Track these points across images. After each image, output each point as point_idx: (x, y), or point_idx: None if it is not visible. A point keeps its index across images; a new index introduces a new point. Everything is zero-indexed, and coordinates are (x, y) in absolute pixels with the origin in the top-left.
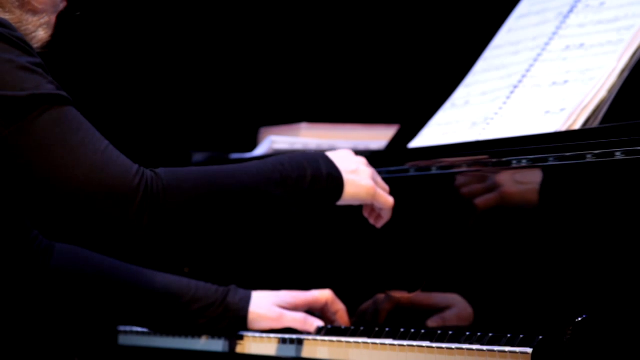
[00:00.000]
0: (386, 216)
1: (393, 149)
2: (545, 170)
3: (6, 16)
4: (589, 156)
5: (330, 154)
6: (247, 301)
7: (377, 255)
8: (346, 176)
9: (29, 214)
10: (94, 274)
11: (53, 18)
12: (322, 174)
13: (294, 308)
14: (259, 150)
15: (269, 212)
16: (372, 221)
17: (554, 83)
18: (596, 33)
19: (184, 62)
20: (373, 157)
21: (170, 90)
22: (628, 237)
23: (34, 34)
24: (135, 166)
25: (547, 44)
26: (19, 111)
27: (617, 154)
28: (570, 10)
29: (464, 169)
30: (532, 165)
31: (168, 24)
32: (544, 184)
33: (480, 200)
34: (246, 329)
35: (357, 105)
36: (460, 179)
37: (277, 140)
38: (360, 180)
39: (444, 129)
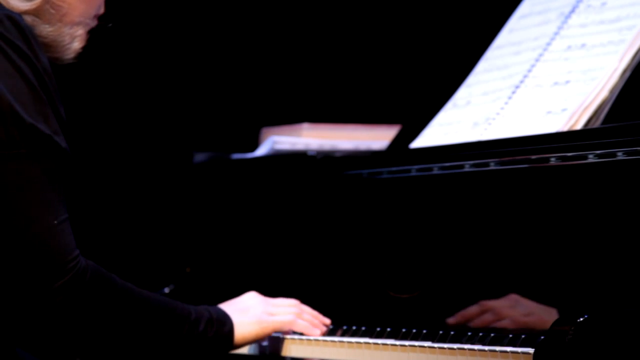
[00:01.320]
0: (304, 329)
1: (395, 149)
2: (547, 171)
3: (46, 27)
4: (590, 156)
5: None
6: (225, 314)
7: (379, 255)
8: (236, 317)
9: None
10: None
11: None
12: (212, 317)
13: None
14: (261, 151)
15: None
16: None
17: (556, 83)
18: (598, 33)
19: (186, 63)
20: (375, 158)
21: (172, 90)
22: (630, 237)
23: (69, 45)
24: (77, 251)
25: (548, 44)
26: (21, 139)
27: (619, 154)
28: (572, 11)
29: (465, 169)
30: (533, 165)
31: (170, 25)
32: (545, 184)
33: (481, 201)
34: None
35: (358, 106)
36: (461, 179)
37: (278, 141)
38: (249, 318)
39: (445, 129)
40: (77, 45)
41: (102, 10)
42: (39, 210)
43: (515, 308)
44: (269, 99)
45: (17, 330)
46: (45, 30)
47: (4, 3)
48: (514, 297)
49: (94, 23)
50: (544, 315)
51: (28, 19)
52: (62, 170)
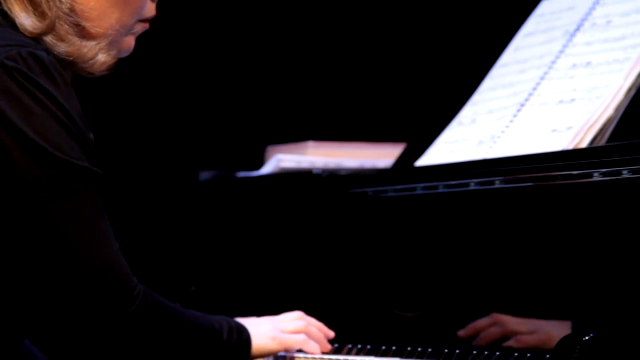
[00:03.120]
0: (313, 350)
1: (400, 168)
2: (553, 189)
3: (63, 46)
4: (596, 175)
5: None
6: (241, 324)
7: (385, 274)
8: (251, 329)
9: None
10: None
11: (124, 40)
12: (232, 325)
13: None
14: (266, 169)
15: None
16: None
17: (561, 101)
18: (603, 52)
19: (192, 81)
20: (380, 176)
21: (177, 108)
22: (636, 255)
23: (93, 60)
24: (135, 277)
25: (554, 62)
26: (63, 179)
27: (625, 172)
28: (577, 29)
29: (471, 187)
30: (539, 183)
31: (177, 41)
32: (551, 202)
33: (487, 219)
34: (250, 349)
35: (364, 124)
36: (467, 198)
37: (284, 159)
38: (264, 332)
39: (451, 147)
40: (103, 57)
41: (152, 13)
42: (99, 242)
43: (522, 326)
44: (275, 118)
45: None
46: (62, 48)
47: (20, 28)
48: (520, 315)
49: (140, 29)
50: (551, 333)
51: (48, 39)
52: (103, 197)
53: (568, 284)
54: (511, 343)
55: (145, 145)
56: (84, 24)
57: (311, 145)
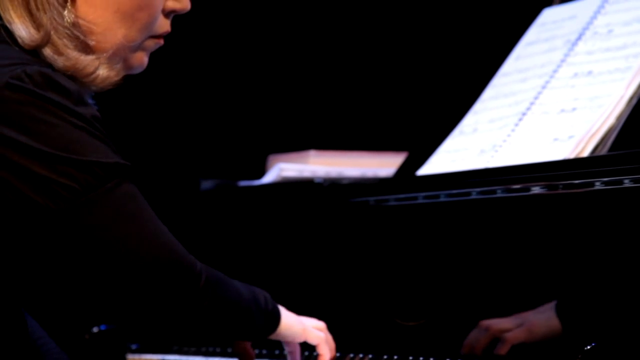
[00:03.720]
0: (326, 354)
1: (401, 177)
2: (554, 198)
3: (61, 60)
4: (597, 183)
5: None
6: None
7: (386, 283)
8: (283, 311)
9: (81, 290)
10: None
11: (133, 56)
12: (262, 293)
13: None
14: (267, 178)
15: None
16: None
17: (562, 110)
18: (604, 60)
19: (193, 89)
20: (381, 185)
21: (178, 117)
22: (638, 264)
23: (93, 75)
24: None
25: (555, 71)
26: (96, 180)
27: (626, 181)
28: (579, 38)
29: (472, 196)
30: (541, 192)
31: (177, 49)
32: (553, 211)
33: (488, 228)
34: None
35: (365, 133)
36: (468, 207)
37: (285, 168)
38: (290, 314)
39: (452, 156)
40: (104, 72)
41: (166, 29)
42: (153, 230)
43: (523, 333)
44: (276, 126)
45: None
46: (60, 62)
47: (19, 41)
48: (521, 323)
49: (152, 45)
50: (552, 341)
51: (46, 53)
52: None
53: (570, 292)
54: (513, 350)
55: (147, 153)
56: (86, 38)
57: (312, 154)
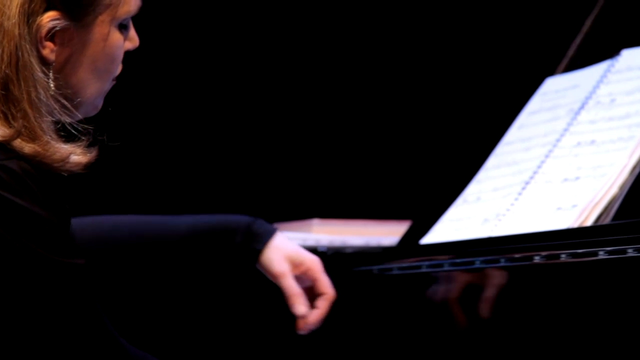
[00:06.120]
0: (325, 298)
1: (405, 245)
2: (558, 267)
3: (29, 147)
4: (601, 253)
5: None
6: (268, 236)
7: (390, 352)
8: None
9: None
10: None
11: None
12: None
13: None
14: None
15: None
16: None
17: (566, 179)
18: (607, 130)
19: (194, 156)
20: (385, 253)
21: (182, 187)
22: None
23: (63, 162)
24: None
25: (558, 140)
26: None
27: (630, 250)
28: (581, 107)
29: (476, 265)
30: (544, 261)
31: (179, 127)
32: (556, 280)
33: (492, 297)
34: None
35: (368, 201)
36: (472, 276)
37: (289, 236)
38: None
39: (455, 224)
40: (77, 158)
41: (121, 68)
42: (94, 318)
43: None
44: (279, 195)
45: None
46: (27, 150)
47: None
48: None
49: (110, 87)
50: None
51: (16, 143)
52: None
53: None
54: None
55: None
56: (69, 101)
57: (316, 223)
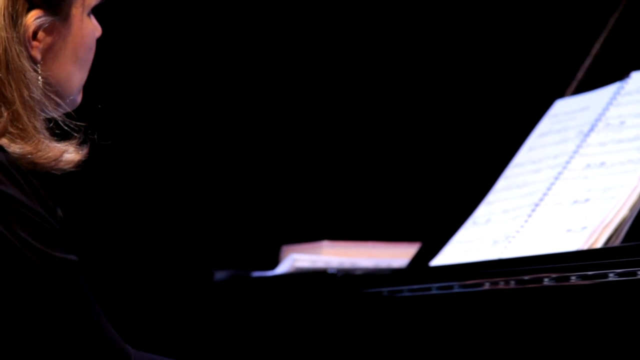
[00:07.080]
0: None
1: (415, 267)
2: (568, 289)
3: (18, 146)
4: (611, 275)
5: None
6: None
7: None
8: None
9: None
10: None
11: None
12: None
13: None
14: (281, 268)
15: None
16: None
17: (575, 201)
18: (617, 152)
19: (204, 178)
20: (395, 275)
21: (191, 208)
22: None
23: (57, 160)
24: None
25: (568, 162)
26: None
27: None
28: (591, 129)
29: (485, 287)
30: (554, 284)
31: (191, 140)
32: (566, 302)
33: (502, 319)
34: None
35: (378, 223)
36: (482, 298)
37: (298, 258)
38: None
39: (465, 246)
40: (70, 156)
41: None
42: (90, 316)
43: None
44: (289, 217)
45: None
46: (17, 148)
47: None
48: None
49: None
50: None
51: (3, 140)
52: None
53: None
54: None
55: (161, 245)
56: (57, 95)
57: (326, 245)
